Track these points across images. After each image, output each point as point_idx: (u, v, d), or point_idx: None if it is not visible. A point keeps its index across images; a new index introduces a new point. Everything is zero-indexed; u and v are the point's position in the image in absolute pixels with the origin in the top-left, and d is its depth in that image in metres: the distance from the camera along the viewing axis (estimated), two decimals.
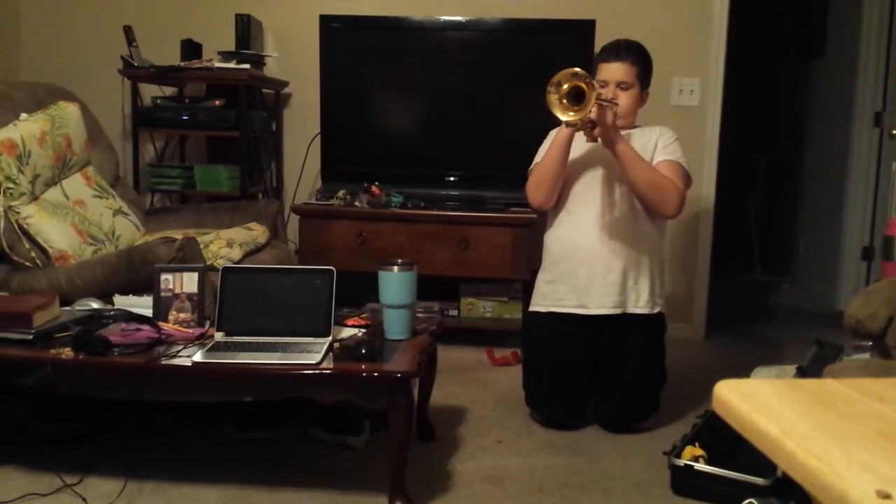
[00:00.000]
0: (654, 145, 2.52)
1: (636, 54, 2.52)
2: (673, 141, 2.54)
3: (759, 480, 1.95)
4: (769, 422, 0.63)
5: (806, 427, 0.62)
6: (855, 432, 0.62)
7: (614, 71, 2.50)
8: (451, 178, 3.53)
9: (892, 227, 2.58)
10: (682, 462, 2.08)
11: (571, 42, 3.31)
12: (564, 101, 2.24)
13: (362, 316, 2.33)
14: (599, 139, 2.38)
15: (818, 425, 0.63)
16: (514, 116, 3.46)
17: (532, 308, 2.64)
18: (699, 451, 2.11)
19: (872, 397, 0.69)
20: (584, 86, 2.23)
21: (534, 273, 2.70)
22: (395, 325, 2.14)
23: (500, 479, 2.16)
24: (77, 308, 2.30)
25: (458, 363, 3.17)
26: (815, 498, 0.57)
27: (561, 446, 2.41)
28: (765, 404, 0.66)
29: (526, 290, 3.00)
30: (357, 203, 3.38)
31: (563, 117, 2.26)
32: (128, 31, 3.42)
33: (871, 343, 1.94)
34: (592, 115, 2.30)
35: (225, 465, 2.20)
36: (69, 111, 2.86)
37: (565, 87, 2.24)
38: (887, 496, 0.50)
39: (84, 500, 1.95)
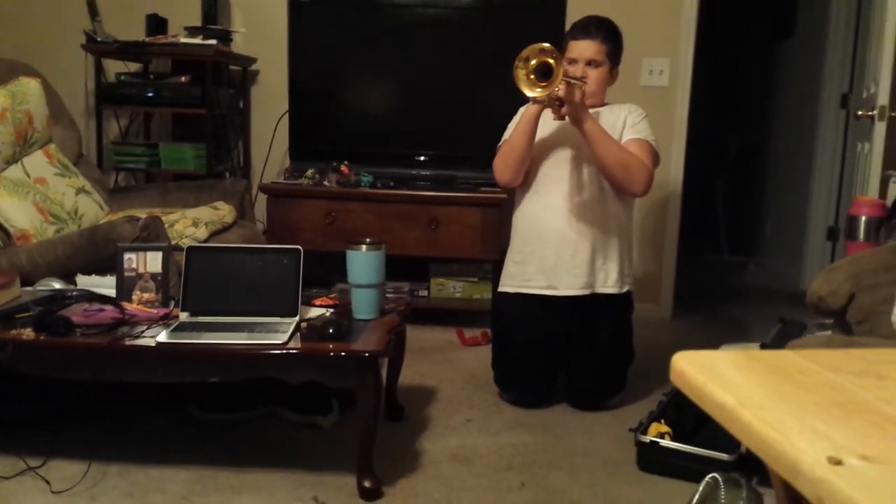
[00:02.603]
0: (622, 123, 2.52)
1: (606, 31, 2.51)
2: (642, 119, 2.54)
3: (723, 456, 1.98)
4: (725, 392, 0.63)
5: (761, 397, 0.62)
6: (810, 402, 0.62)
7: (584, 48, 2.49)
8: (422, 158, 3.51)
9: (856, 206, 2.62)
10: (647, 439, 2.10)
11: (542, 20, 3.30)
12: (532, 76, 2.23)
13: (330, 296, 2.32)
14: (567, 117, 2.37)
15: (774, 395, 0.63)
16: (485, 96, 3.44)
17: (501, 288, 2.64)
18: (664, 428, 2.13)
19: (828, 368, 0.70)
20: (551, 61, 2.21)
21: (503, 253, 2.70)
22: (362, 304, 2.13)
23: (468, 457, 2.17)
24: (38, 288, 2.26)
25: (427, 343, 3.17)
26: (770, 467, 0.57)
27: (529, 425, 2.42)
28: (721, 375, 0.67)
29: (496, 271, 3.00)
30: (326, 182, 3.35)
31: (529, 93, 2.24)
32: (91, 4, 3.35)
33: (832, 320, 1.97)
34: (560, 93, 2.29)
35: (191, 447, 2.18)
36: (30, 87, 2.80)
37: (533, 62, 2.22)
38: (839, 462, 0.51)
39: (47, 482, 1.93)
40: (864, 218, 2.54)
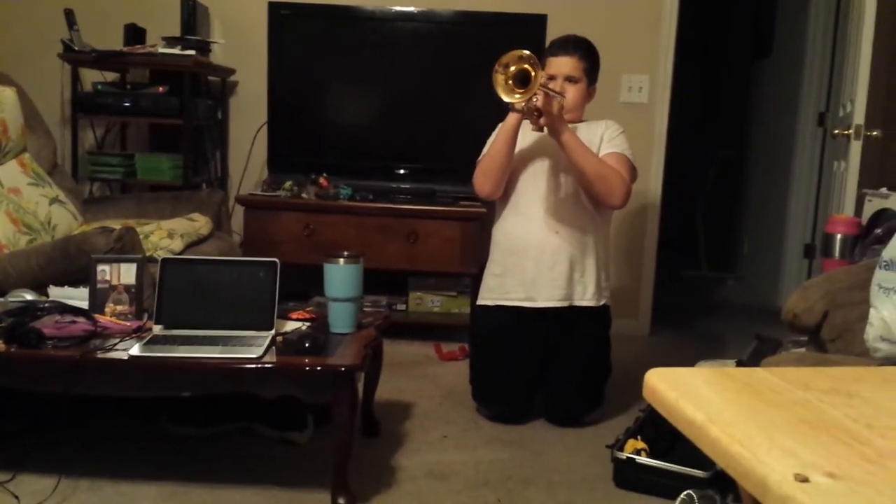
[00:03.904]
0: (599, 138, 2.54)
1: (584, 49, 2.54)
2: (619, 134, 2.56)
3: (699, 473, 1.97)
4: (696, 409, 0.63)
5: (731, 414, 0.62)
6: (779, 419, 0.62)
7: (562, 65, 2.51)
8: (401, 171, 3.50)
9: (832, 224, 2.64)
10: (624, 455, 2.10)
11: (522, 36, 3.30)
12: (510, 82, 2.24)
13: (307, 309, 2.30)
14: (545, 128, 2.38)
15: (744, 412, 0.63)
16: (465, 109, 3.45)
17: (480, 302, 2.64)
18: (641, 445, 2.12)
19: (798, 385, 0.70)
20: (529, 68, 2.22)
21: (482, 268, 2.70)
22: (339, 318, 2.11)
23: (444, 473, 2.15)
24: (10, 299, 2.22)
25: (405, 358, 3.16)
26: (739, 484, 0.57)
27: (506, 440, 2.41)
28: (693, 392, 0.66)
29: (475, 285, 2.99)
30: (304, 195, 3.33)
31: (507, 98, 2.25)
32: (69, 14, 3.31)
33: (807, 337, 1.98)
34: (538, 104, 2.30)
35: (164, 462, 2.15)
36: (5, 96, 2.77)
37: (512, 69, 2.23)
38: (805, 480, 0.50)
39: (16, 497, 1.89)
40: (839, 236, 2.56)
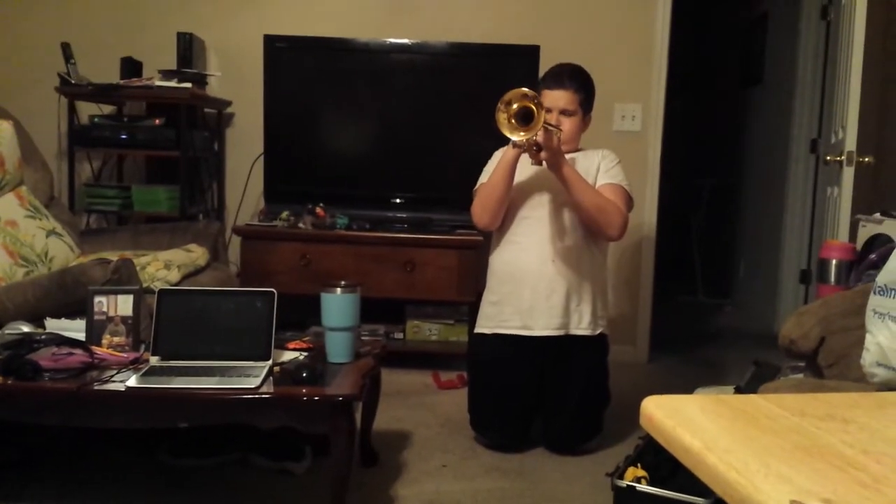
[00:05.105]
0: (596, 168, 2.56)
1: (578, 81, 2.56)
2: (615, 164, 2.58)
3: (699, 500, 1.96)
4: (692, 436, 0.63)
5: (728, 441, 0.62)
6: (775, 446, 0.62)
7: (557, 98, 2.53)
8: (398, 200, 3.52)
9: (827, 250, 2.65)
10: (624, 483, 2.08)
11: (516, 66, 3.35)
12: (513, 120, 2.26)
13: (305, 339, 2.30)
14: (544, 162, 2.40)
15: (740, 439, 0.63)
16: (460, 139, 3.48)
17: (477, 330, 2.64)
18: (641, 472, 2.11)
19: (794, 412, 0.70)
20: (532, 107, 2.25)
21: (480, 296, 2.70)
22: (337, 347, 2.11)
23: (443, 503, 2.14)
24: (7, 332, 2.21)
25: (403, 387, 3.14)
26: None
27: (505, 469, 2.40)
28: (689, 419, 0.67)
29: (472, 313, 3.00)
30: (301, 224, 3.34)
31: (511, 136, 2.28)
32: (65, 47, 3.34)
33: (805, 363, 1.98)
34: (539, 139, 2.32)
35: (161, 494, 2.14)
36: (2, 129, 2.78)
37: (515, 106, 2.26)
38: None
39: None
40: (834, 261, 2.57)
